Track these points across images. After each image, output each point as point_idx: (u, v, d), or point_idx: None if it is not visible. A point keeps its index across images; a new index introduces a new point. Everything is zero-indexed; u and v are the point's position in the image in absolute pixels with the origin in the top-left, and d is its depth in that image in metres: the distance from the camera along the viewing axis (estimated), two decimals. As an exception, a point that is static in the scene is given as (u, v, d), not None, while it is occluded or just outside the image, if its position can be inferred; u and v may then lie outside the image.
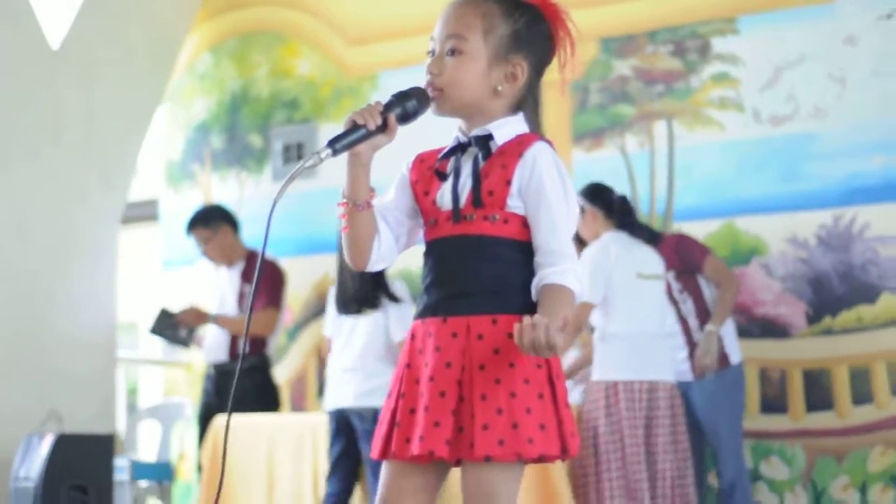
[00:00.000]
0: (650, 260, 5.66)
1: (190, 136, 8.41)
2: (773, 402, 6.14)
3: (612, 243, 5.58)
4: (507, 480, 2.57)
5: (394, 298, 5.89)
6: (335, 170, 2.61)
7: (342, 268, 5.89)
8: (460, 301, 2.63)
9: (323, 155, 2.57)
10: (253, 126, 8.11)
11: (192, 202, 8.11)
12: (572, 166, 6.79)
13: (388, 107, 2.64)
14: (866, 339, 5.97)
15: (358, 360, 5.90)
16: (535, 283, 2.61)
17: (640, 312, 5.56)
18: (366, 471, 5.88)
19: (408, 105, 2.65)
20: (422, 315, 2.68)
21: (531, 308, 2.61)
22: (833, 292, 6.06)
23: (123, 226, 8.05)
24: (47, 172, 7.35)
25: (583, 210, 5.56)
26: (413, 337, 2.68)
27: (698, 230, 6.38)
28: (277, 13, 8.09)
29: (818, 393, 6.04)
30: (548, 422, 2.57)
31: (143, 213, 8.94)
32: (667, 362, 5.56)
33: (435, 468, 2.65)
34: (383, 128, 2.63)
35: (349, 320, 5.97)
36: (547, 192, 2.62)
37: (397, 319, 5.87)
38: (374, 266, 2.75)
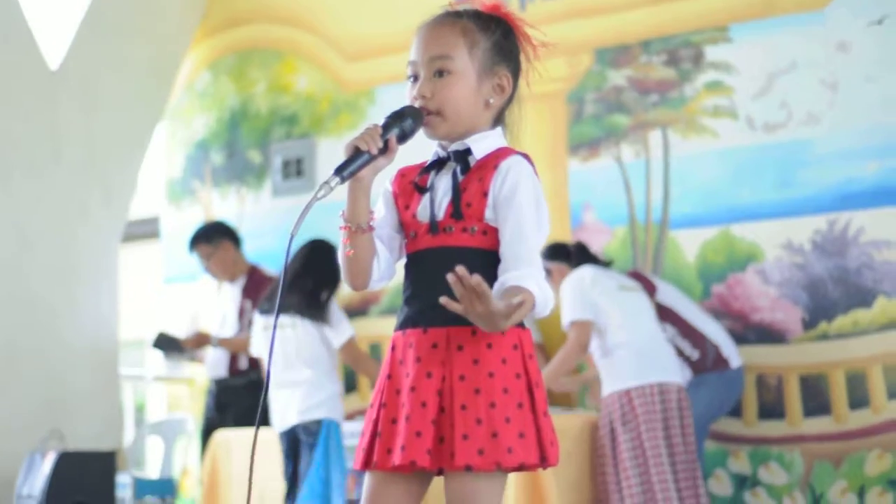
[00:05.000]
0: (623, 278, 5.94)
1: (190, 154, 8.46)
2: (771, 408, 6.15)
3: (585, 270, 5.83)
4: (488, 490, 2.60)
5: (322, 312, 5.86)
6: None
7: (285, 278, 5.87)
8: (440, 312, 2.64)
9: (333, 184, 2.60)
10: (252, 142, 8.15)
11: (193, 219, 8.16)
12: (569, 176, 6.83)
13: (387, 128, 2.67)
14: (862, 343, 5.97)
15: (297, 374, 5.80)
16: (497, 287, 2.60)
17: (633, 320, 5.72)
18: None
19: (404, 125, 2.69)
20: (402, 326, 2.71)
21: None
22: (829, 297, 6.08)
23: (125, 243, 8.09)
24: (48, 191, 7.39)
25: (549, 272, 5.79)
26: (393, 348, 2.71)
27: (694, 238, 6.43)
28: (275, 30, 8.14)
29: (815, 398, 6.06)
30: (527, 431, 2.60)
31: (145, 230, 9.00)
32: (672, 364, 5.66)
33: (417, 477, 2.68)
34: (384, 150, 2.67)
35: (276, 337, 5.83)
36: (517, 200, 2.65)
37: (335, 325, 5.83)
38: (375, 285, 2.78)
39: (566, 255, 6.03)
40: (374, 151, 2.64)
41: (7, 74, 7.23)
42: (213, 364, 7.07)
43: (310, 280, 5.86)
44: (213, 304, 7.46)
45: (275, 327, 2.75)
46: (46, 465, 6.08)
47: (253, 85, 8.21)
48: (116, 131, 7.86)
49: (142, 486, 6.91)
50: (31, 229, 7.30)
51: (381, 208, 2.81)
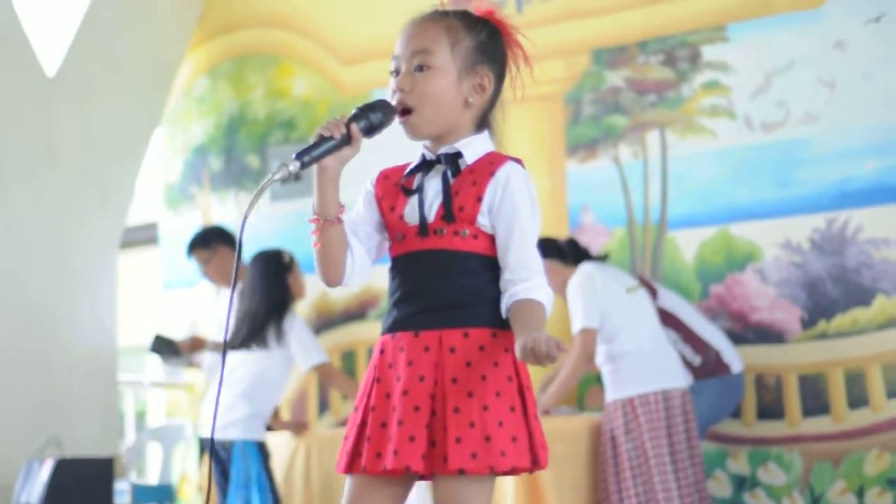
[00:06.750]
0: (624, 275, 5.95)
1: (188, 159, 8.45)
2: (770, 408, 6.14)
3: (592, 268, 5.80)
4: (479, 493, 2.60)
5: (280, 337, 5.92)
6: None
7: (242, 302, 5.97)
8: (432, 315, 2.65)
9: (291, 167, 2.59)
10: (250, 147, 8.14)
11: (192, 224, 8.14)
12: (567, 178, 6.81)
13: (353, 119, 2.66)
14: (861, 342, 5.96)
15: (226, 390, 5.87)
16: (507, 299, 2.63)
17: (639, 325, 5.70)
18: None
19: (372, 117, 2.68)
20: (391, 329, 2.70)
21: (501, 322, 2.64)
22: (827, 296, 6.06)
23: (124, 249, 8.08)
24: (45, 197, 7.37)
25: None
26: (382, 351, 2.70)
27: (693, 238, 6.41)
28: (271, 35, 8.13)
29: (814, 398, 6.04)
30: (519, 434, 2.60)
31: (143, 236, 8.99)
32: (676, 368, 5.65)
33: (402, 481, 2.67)
34: (348, 139, 2.65)
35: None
36: (519, 210, 2.66)
37: (302, 351, 5.92)
38: (348, 281, 2.76)
39: (558, 251, 5.97)
40: (337, 136, 2.62)
41: (3, 81, 7.22)
42: (210, 369, 7.06)
43: (255, 303, 6.01)
44: (212, 310, 7.45)
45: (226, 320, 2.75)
46: (44, 472, 6.06)
47: (250, 90, 8.20)
48: (114, 137, 7.85)
49: (140, 493, 6.91)
50: (28, 236, 7.28)
51: (360, 207, 2.80)
